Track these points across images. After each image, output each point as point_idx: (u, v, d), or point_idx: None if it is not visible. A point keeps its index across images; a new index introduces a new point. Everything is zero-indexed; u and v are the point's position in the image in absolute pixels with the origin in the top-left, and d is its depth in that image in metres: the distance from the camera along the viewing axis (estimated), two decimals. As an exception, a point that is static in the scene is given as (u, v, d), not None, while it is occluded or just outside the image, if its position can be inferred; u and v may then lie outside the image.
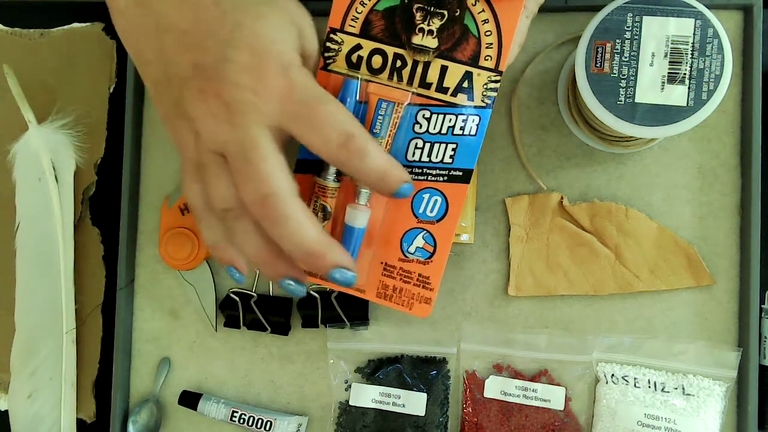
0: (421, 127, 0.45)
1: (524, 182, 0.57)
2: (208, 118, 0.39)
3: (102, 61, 0.62)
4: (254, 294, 0.58)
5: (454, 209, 0.45)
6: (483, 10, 0.43)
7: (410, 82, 0.44)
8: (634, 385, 0.54)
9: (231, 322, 0.58)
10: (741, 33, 0.55)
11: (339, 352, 0.58)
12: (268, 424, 0.56)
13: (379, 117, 0.44)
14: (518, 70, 0.57)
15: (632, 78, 0.47)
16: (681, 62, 0.47)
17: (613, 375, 0.54)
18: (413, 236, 0.46)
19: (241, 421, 0.57)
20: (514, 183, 0.57)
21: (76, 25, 0.63)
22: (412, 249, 0.46)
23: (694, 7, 0.47)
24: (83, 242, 0.61)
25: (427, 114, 0.44)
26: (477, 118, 0.44)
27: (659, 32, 0.47)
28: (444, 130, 0.44)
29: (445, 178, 0.45)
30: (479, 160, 0.57)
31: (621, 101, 0.47)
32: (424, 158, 0.45)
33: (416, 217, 0.46)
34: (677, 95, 0.46)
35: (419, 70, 0.44)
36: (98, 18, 0.63)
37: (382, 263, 0.47)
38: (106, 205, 0.62)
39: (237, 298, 0.58)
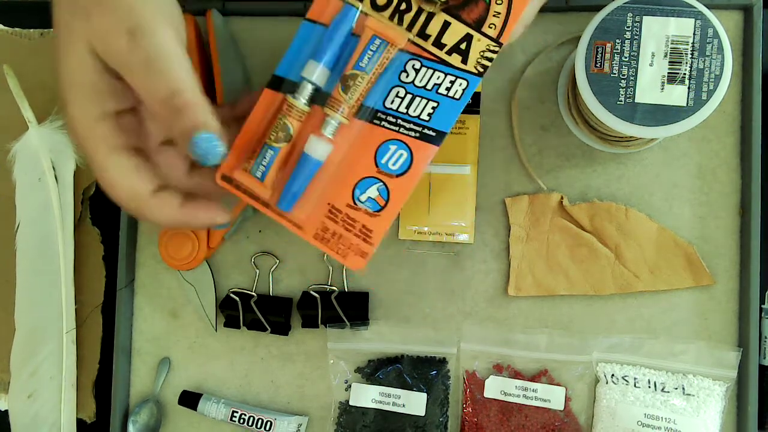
0: (407, 76, 0.43)
1: (524, 182, 0.57)
2: None
3: (102, 61, 0.62)
4: (254, 294, 0.58)
5: (417, 168, 0.43)
6: None
7: (410, 28, 0.43)
8: (634, 385, 0.54)
9: (231, 322, 0.58)
10: (741, 33, 0.55)
11: (339, 352, 0.58)
12: (268, 424, 0.56)
13: (369, 52, 0.42)
14: (518, 70, 0.57)
15: (632, 78, 0.47)
16: (681, 62, 0.47)
17: (613, 375, 0.54)
18: (368, 185, 0.44)
19: (241, 421, 0.57)
20: (514, 183, 0.57)
21: (76, 25, 0.63)
22: (363, 197, 0.44)
23: (694, 7, 0.47)
24: (83, 242, 0.61)
25: (417, 65, 0.43)
26: (465, 83, 0.43)
27: (659, 32, 0.47)
28: (429, 86, 0.43)
29: (417, 134, 0.43)
30: (479, 159, 0.57)
31: (621, 101, 0.47)
32: (402, 109, 0.43)
33: (377, 166, 0.44)
34: (677, 95, 0.46)
35: (422, 19, 0.43)
36: (98, 18, 0.63)
37: (328, 204, 0.44)
38: (106, 205, 0.61)
39: (237, 298, 0.58)
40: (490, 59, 0.43)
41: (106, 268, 0.61)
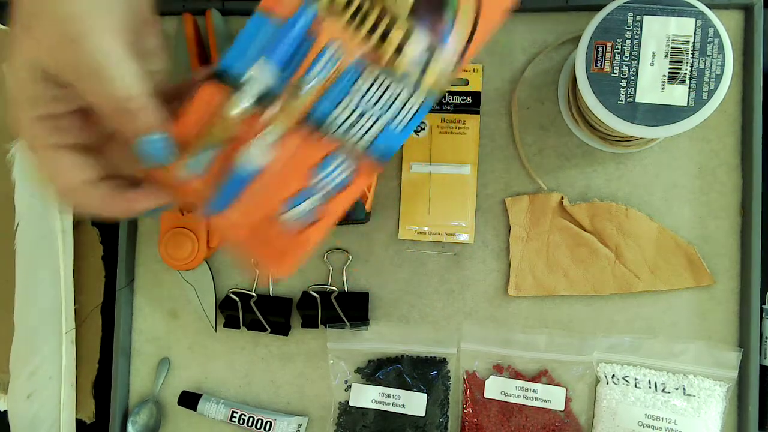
0: (359, 88, 0.41)
1: (524, 182, 0.57)
2: None
3: (102, 61, 0.62)
4: (254, 294, 0.58)
5: (357, 187, 0.42)
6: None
7: (372, 31, 0.41)
8: (635, 386, 0.54)
9: (231, 322, 0.58)
10: (742, 33, 0.55)
11: (339, 353, 0.57)
12: (268, 424, 0.56)
13: (322, 60, 0.40)
14: (518, 70, 0.57)
15: (633, 78, 0.47)
16: (681, 62, 0.46)
17: (613, 375, 0.54)
18: (305, 197, 0.43)
19: (241, 421, 0.57)
20: (514, 183, 0.57)
21: (76, 24, 0.63)
22: (300, 207, 0.43)
23: (695, 7, 0.47)
24: (83, 242, 0.61)
25: (371, 77, 0.41)
26: (419, 101, 0.41)
27: (660, 32, 0.47)
28: (380, 101, 0.41)
29: (362, 149, 0.42)
30: (479, 159, 0.57)
31: (621, 101, 0.47)
32: (349, 122, 0.42)
33: (316, 178, 0.42)
34: (678, 95, 0.46)
35: (383, 23, 0.40)
36: (98, 18, 0.63)
37: (263, 210, 0.43)
38: (106, 205, 0.62)
39: (237, 299, 0.58)
40: (447, 80, 0.41)
41: (106, 268, 0.61)
